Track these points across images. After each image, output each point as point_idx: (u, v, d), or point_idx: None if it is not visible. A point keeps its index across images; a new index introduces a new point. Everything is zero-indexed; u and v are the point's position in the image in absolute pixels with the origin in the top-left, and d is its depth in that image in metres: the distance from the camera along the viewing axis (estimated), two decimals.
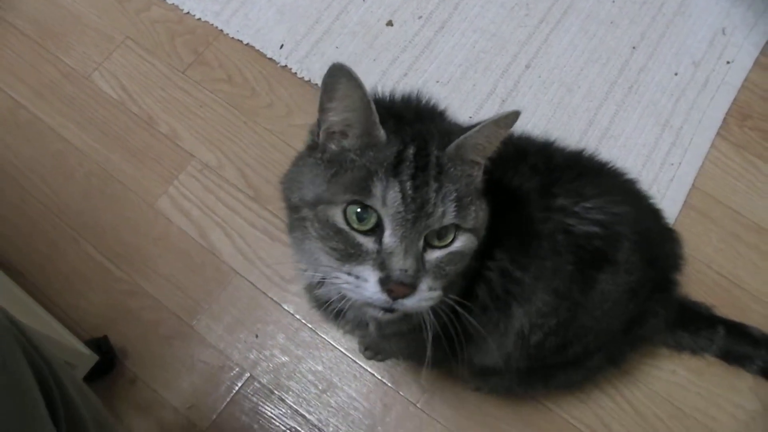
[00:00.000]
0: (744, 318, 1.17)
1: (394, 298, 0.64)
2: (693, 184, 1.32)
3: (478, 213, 0.70)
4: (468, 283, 0.79)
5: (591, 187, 0.82)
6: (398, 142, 0.67)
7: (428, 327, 0.72)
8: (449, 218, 0.66)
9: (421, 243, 0.66)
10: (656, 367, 1.20)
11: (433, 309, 0.71)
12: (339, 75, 0.64)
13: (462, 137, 0.67)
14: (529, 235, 0.80)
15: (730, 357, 1.17)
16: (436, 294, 0.67)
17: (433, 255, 0.68)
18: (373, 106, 0.65)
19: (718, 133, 1.36)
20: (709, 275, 1.26)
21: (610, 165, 0.92)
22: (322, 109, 0.69)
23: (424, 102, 0.78)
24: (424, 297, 0.66)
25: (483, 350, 0.90)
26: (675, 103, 1.37)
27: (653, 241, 0.89)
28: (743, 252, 1.27)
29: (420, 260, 0.66)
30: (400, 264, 0.64)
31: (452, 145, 0.67)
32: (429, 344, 0.73)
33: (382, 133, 0.67)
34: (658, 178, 1.31)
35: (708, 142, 1.35)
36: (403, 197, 0.64)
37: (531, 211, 0.80)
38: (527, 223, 0.80)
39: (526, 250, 0.80)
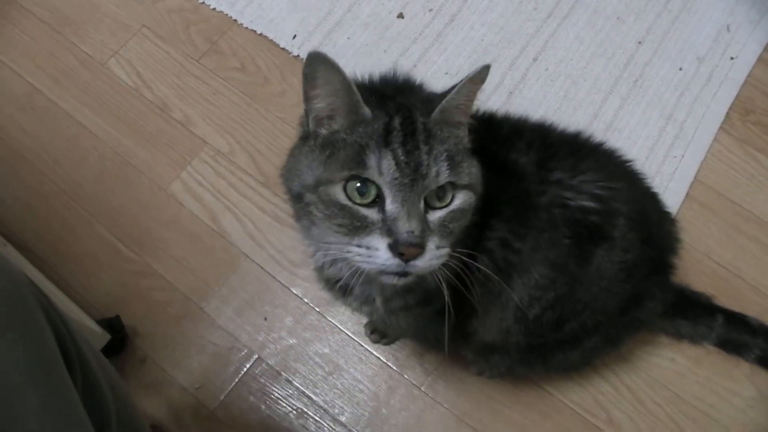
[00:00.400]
0: (743, 308, 1.19)
1: (406, 261, 0.67)
2: (695, 177, 1.34)
3: (471, 169, 0.73)
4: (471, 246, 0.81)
5: (587, 162, 0.85)
6: (384, 115, 0.70)
7: (441, 281, 0.74)
8: (444, 177, 0.69)
9: (422, 205, 0.69)
10: (656, 354, 1.22)
11: (445, 266, 0.73)
12: (317, 63, 0.68)
13: (444, 101, 0.70)
14: (527, 207, 0.82)
15: (728, 345, 1.19)
16: (445, 251, 0.70)
17: (436, 215, 0.71)
18: (354, 87, 0.69)
19: (720, 127, 1.38)
20: (710, 266, 1.28)
21: (606, 145, 0.94)
22: (307, 98, 0.73)
23: (402, 78, 0.81)
24: (434, 255, 0.69)
25: (486, 325, 0.93)
26: (679, 97, 1.39)
27: (650, 221, 0.92)
28: (743, 244, 1.30)
29: (424, 221, 0.69)
30: (406, 227, 0.67)
31: (436, 111, 0.71)
32: (447, 298, 0.76)
33: (366, 110, 0.70)
34: (661, 171, 1.33)
35: (711, 135, 1.37)
36: (397, 163, 0.67)
37: (528, 185, 0.82)
38: (524, 196, 0.82)
39: (524, 222, 0.82)
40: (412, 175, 0.67)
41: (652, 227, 0.92)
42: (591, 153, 0.89)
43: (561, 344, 1.01)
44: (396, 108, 0.71)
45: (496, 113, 0.90)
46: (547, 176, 0.83)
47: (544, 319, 0.90)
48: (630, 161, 0.95)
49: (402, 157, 0.68)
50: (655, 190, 0.98)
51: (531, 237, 0.83)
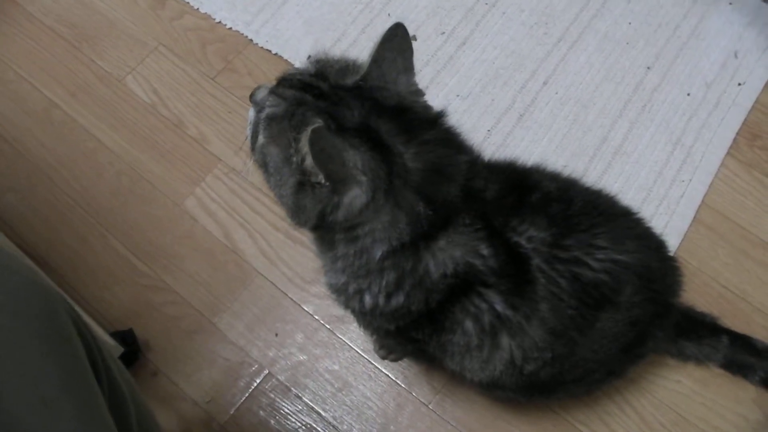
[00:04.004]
0: (748, 331, 1.20)
1: None
2: (703, 201, 1.35)
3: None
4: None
5: (603, 238, 0.87)
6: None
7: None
8: None
9: None
10: (662, 376, 1.23)
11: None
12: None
13: None
14: (530, 281, 0.84)
15: (733, 367, 1.20)
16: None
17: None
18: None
19: (728, 152, 1.40)
20: (716, 289, 1.29)
21: (622, 207, 0.97)
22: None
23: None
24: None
25: (467, 370, 0.95)
26: (687, 122, 1.41)
27: (655, 279, 0.94)
28: (750, 267, 1.31)
29: None
30: None
31: None
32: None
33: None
34: (669, 194, 1.35)
35: (718, 160, 1.39)
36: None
37: (536, 262, 0.84)
38: (528, 272, 0.84)
39: (523, 294, 0.84)
40: None
41: (657, 283, 0.94)
42: (609, 221, 0.91)
43: (563, 382, 1.02)
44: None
45: (517, 164, 0.95)
46: (558, 254, 0.85)
47: (542, 374, 0.92)
48: (642, 219, 0.98)
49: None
50: (661, 236, 1.01)
51: (529, 307, 0.85)
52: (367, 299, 0.86)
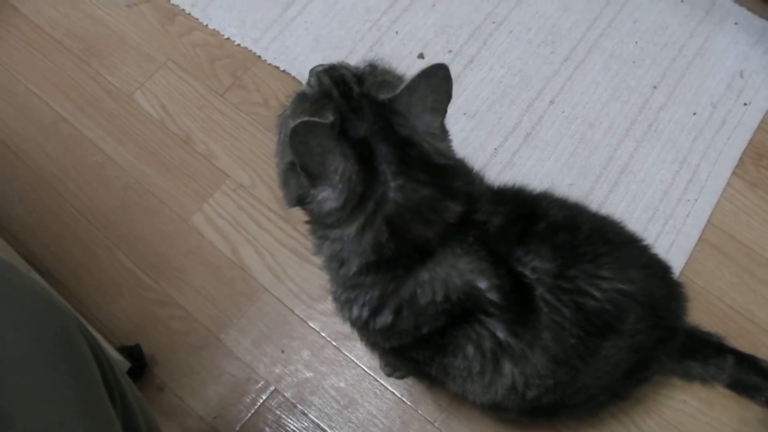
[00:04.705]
0: (754, 351, 1.20)
1: None
2: (708, 220, 1.36)
3: None
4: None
5: (608, 269, 0.88)
6: None
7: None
8: None
9: None
10: (668, 396, 1.23)
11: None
12: None
13: None
14: (533, 310, 0.85)
15: (739, 387, 1.20)
16: None
17: None
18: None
19: (733, 172, 1.41)
20: (721, 308, 1.29)
21: (628, 234, 0.98)
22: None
23: None
24: None
25: (469, 392, 0.95)
26: (693, 141, 1.42)
27: (660, 306, 0.94)
28: (756, 287, 1.31)
29: None
30: None
31: None
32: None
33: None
34: (675, 213, 1.35)
35: (724, 180, 1.39)
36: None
37: (540, 292, 0.85)
38: (531, 302, 0.85)
39: (526, 323, 0.85)
40: None
41: (661, 310, 0.95)
42: (615, 250, 0.92)
43: (566, 406, 1.03)
44: None
45: (526, 191, 0.96)
46: (562, 285, 0.86)
47: (545, 400, 0.92)
48: (648, 247, 0.99)
49: None
50: (666, 261, 1.02)
51: (532, 335, 0.86)
52: (354, 310, 0.88)
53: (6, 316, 0.64)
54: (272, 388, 1.26)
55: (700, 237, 1.35)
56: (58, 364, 0.64)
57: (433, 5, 1.57)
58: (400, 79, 0.83)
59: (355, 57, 1.52)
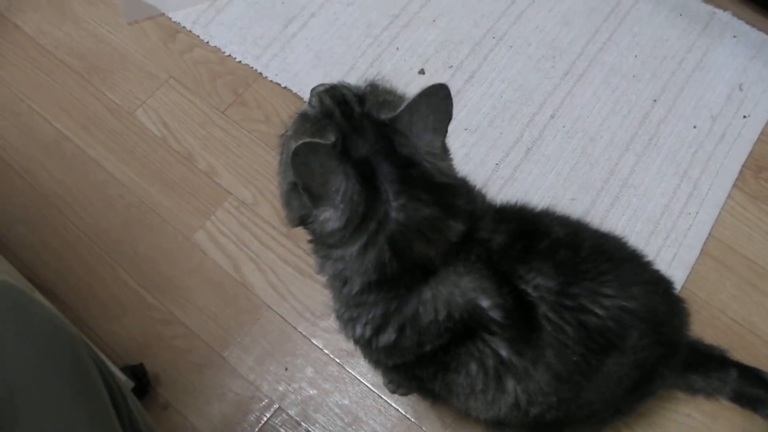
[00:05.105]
0: (757, 364, 1.20)
1: None
2: (710, 233, 1.36)
3: None
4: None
5: (610, 286, 0.88)
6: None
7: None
8: None
9: None
10: (672, 410, 1.23)
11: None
12: None
13: None
14: (535, 327, 0.85)
15: (743, 400, 1.20)
16: None
17: None
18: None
19: (734, 185, 1.41)
20: (724, 321, 1.30)
21: (630, 250, 0.98)
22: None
23: None
24: None
25: (472, 408, 0.96)
26: (693, 154, 1.43)
27: (662, 322, 0.95)
28: (758, 299, 1.31)
29: None
30: None
31: None
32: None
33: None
34: (676, 227, 1.36)
35: (725, 192, 1.40)
36: None
37: (542, 310, 0.85)
38: (533, 319, 0.85)
39: (528, 341, 0.85)
40: None
41: (664, 326, 0.95)
42: (617, 267, 0.92)
43: (569, 422, 1.03)
44: None
45: (528, 209, 0.96)
46: (565, 302, 0.86)
47: (548, 416, 0.92)
48: (650, 263, 0.99)
49: None
50: (668, 276, 1.02)
51: (535, 353, 0.86)
52: (358, 329, 0.89)
53: (23, 343, 0.65)
54: (276, 405, 1.26)
55: (702, 250, 1.35)
56: (72, 390, 0.65)
57: (434, 21, 1.58)
58: (400, 98, 0.84)
59: (355, 73, 1.52)
